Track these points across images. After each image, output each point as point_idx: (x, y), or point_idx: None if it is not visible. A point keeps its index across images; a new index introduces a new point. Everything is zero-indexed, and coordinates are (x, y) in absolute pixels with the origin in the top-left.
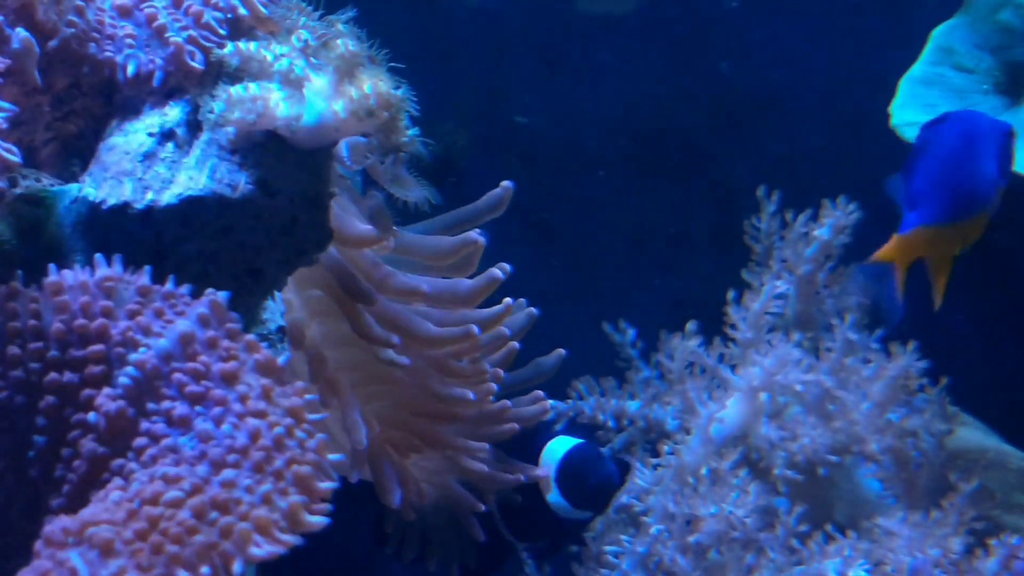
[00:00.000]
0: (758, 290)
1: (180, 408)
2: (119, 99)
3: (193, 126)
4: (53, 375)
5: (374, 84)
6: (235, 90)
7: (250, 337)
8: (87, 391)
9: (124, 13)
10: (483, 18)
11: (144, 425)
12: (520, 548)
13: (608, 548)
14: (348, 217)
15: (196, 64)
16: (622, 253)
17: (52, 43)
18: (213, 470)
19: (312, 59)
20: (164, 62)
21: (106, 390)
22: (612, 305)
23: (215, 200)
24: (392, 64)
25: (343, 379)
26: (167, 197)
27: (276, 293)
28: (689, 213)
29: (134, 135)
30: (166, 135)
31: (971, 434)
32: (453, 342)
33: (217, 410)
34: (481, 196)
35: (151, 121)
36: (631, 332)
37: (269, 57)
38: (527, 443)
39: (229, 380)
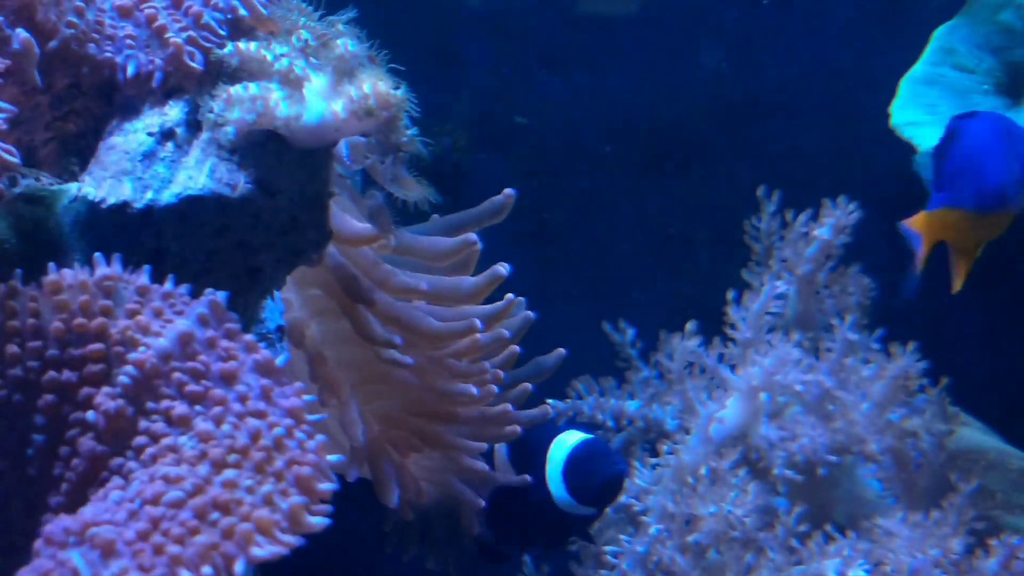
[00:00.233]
0: (758, 290)
1: (179, 407)
2: (119, 99)
3: (193, 126)
4: (52, 374)
5: (374, 84)
6: (235, 90)
7: (249, 337)
8: (86, 390)
9: (124, 14)
10: (484, 18)
11: (143, 424)
12: (513, 548)
13: (607, 548)
14: (348, 216)
15: (196, 64)
16: (622, 253)
17: (52, 43)
18: (214, 470)
19: (312, 59)
20: (164, 63)
21: (105, 389)
22: (612, 305)
23: (214, 200)
24: (392, 64)
25: (342, 378)
26: (166, 196)
27: (276, 292)
28: (689, 213)
29: (134, 135)
30: (166, 135)
31: (971, 434)
32: (456, 336)
33: (217, 410)
34: (481, 196)
35: (151, 121)
36: (631, 332)
37: (269, 57)
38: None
39: (228, 380)
